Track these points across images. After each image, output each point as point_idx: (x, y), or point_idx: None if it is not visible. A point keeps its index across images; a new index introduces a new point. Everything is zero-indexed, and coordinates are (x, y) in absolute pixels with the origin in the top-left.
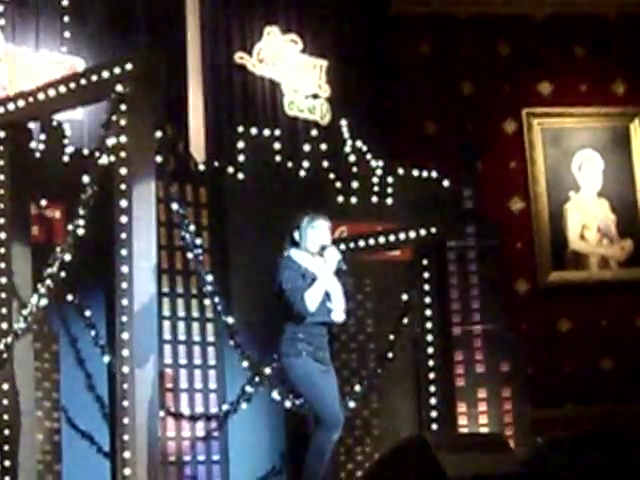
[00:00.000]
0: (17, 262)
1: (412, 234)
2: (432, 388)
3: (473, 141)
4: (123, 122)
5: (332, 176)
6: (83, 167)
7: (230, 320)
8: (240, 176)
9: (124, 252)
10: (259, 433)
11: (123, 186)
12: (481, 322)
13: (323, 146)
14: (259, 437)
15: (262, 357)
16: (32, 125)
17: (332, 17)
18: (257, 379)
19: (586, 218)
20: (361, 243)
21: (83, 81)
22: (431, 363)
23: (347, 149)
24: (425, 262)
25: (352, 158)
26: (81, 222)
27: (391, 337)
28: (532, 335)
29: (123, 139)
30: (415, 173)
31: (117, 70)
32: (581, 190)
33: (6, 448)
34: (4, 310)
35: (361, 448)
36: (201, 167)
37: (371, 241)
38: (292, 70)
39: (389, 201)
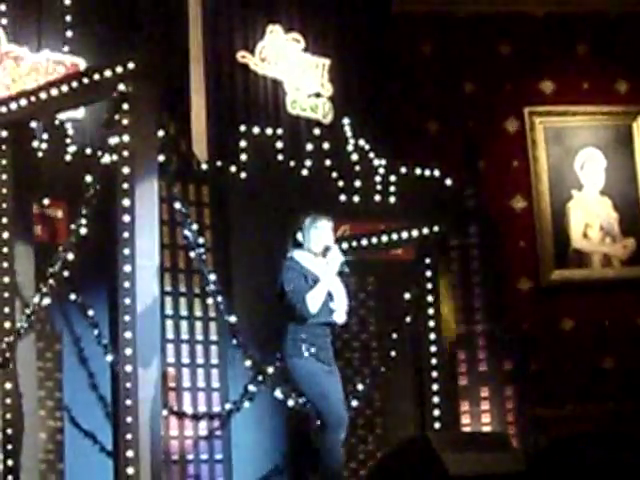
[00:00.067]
0: (20, 261)
1: (414, 233)
2: (435, 387)
3: (475, 140)
4: (125, 121)
5: (335, 175)
6: (85, 166)
7: (233, 319)
8: (242, 175)
9: (127, 251)
10: (262, 432)
11: (125, 185)
12: (483, 321)
13: (325, 145)
14: (262, 436)
15: (265, 356)
16: (34, 124)
17: (334, 16)
18: (260, 378)
19: (589, 217)
20: (364, 242)
21: (85, 80)
22: (434, 362)
23: (349, 148)
24: (427, 261)
25: (354, 157)
26: (84, 221)
27: (394, 336)
28: (534, 334)
29: (125, 138)
30: (417, 172)
31: (119, 69)
32: (584, 189)
33: (9, 447)
34: (7, 309)
35: (364, 447)
36: (203, 166)
37: (374, 240)
38: (294, 69)
39: (392, 200)
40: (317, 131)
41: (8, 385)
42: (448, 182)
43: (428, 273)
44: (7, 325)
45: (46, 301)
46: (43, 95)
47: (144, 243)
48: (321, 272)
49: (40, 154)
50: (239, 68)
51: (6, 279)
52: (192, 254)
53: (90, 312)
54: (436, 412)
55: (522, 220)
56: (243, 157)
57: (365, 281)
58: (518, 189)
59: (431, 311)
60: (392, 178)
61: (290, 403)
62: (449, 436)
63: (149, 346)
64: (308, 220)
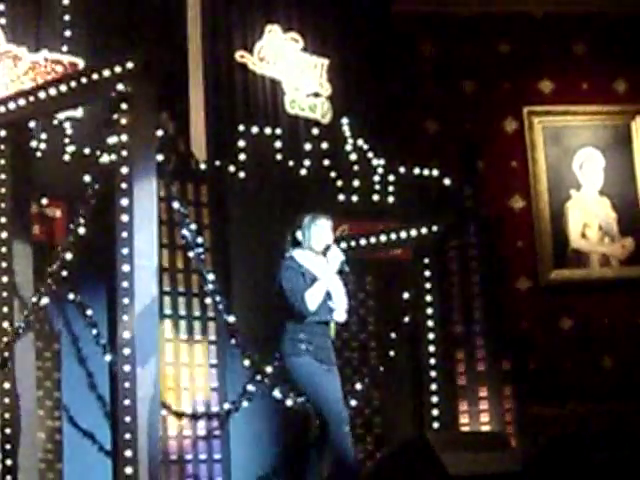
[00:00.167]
0: (18, 261)
1: (413, 232)
2: (433, 386)
3: (474, 140)
4: (124, 121)
5: (333, 174)
6: (84, 166)
7: (231, 319)
8: (241, 175)
9: (125, 251)
10: (260, 432)
11: (124, 185)
12: (482, 320)
13: (324, 145)
14: (260, 436)
15: (263, 356)
16: (33, 124)
17: (333, 16)
18: (258, 378)
19: (587, 216)
20: (362, 242)
21: (84, 80)
22: (432, 361)
23: (348, 148)
24: (426, 261)
25: (353, 157)
26: (82, 221)
27: (393, 335)
28: (533, 333)
29: (124, 138)
30: (416, 172)
31: (118, 69)
32: (582, 188)
33: (7, 447)
34: (5, 309)
35: (363, 446)
36: (202, 166)
37: (372, 240)
38: (293, 69)
39: (390, 200)
40: (316, 131)
41: (7, 385)
42: (447, 182)
43: (427, 273)
44: (5, 325)
45: (44, 301)
46: (41, 95)
47: (142, 243)
48: (320, 271)
49: (38, 154)
50: (238, 68)
51: (4, 279)
52: (191, 254)
53: (89, 312)
54: (435, 412)
55: (521, 220)
56: (242, 157)
57: (364, 281)
58: (517, 189)
59: (429, 311)
60: (391, 178)
61: (289, 403)
62: (448, 436)
63: (147, 346)
64: (307, 219)
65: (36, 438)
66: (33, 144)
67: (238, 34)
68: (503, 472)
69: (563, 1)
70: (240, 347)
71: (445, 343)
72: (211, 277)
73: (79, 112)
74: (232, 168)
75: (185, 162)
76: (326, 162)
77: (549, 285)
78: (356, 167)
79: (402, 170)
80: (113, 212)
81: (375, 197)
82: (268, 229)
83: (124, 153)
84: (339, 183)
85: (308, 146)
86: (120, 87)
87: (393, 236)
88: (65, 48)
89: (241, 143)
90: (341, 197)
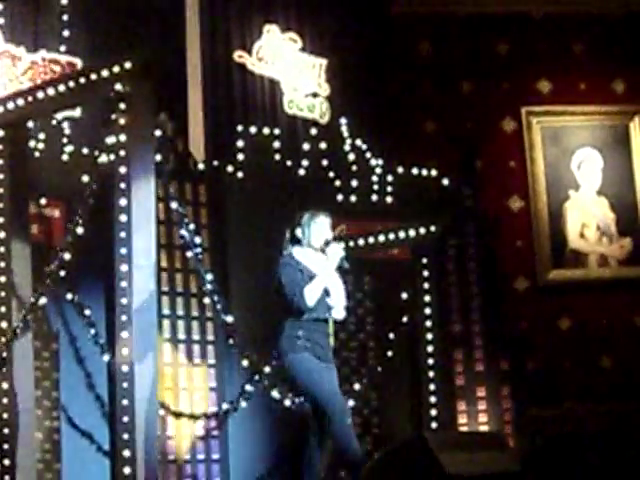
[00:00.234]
0: (17, 261)
1: (411, 232)
2: (432, 387)
3: (472, 140)
4: (122, 121)
5: (331, 175)
6: (82, 166)
7: (229, 319)
8: (239, 175)
9: (123, 251)
10: (259, 432)
11: (122, 185)
12: (480, 320)
13: (322, 145)
14: (259, 436)
15: (262, 356)
16: (31, 124)
17: (331, 16)
18: (256, 378)
19: (585, 217)
20: (360, 242)
21: (82, 80)
22: (430, 362)
23: (346, 148)
24: (424, 261)
25: (351, 157)
26: (80, 221)
27: (391, 335)
28: (531, 333)
29: (122, 138)
30: (414, 172)
31: (116, 69)
32: (581, 189)
33: (5, 447)
34: (4, 309)
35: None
36: (200, 166)
37: (370, 240)
38: (291, 69)
39: (388, 200)
40: (314, 131)
41: (5, 384)
42: (445, 182)
43: (425, 273)
44: (4, 324)
45: (43, 300)
46: (40, 95)
47: (141, 243)
48: (319, 268)
49: (37, 154)
50: (236, 68)
51: (3, 278)
52: (189, 254)
53: (87, 311)
54: (433, 412)
55: (519, 220)
56: (240, 157)
57: (362, 281)
58: (515, 189)
59: (428, 311)
60: (389, 178)
61: (287, 403)
62: (446, 436)
63: (146, 346)
64: (307, 216)
65: (34, 438)
66: (31, 144)
67: (236, 34)
68: (501, 472)
69: (561, 1)
70: (238, 347)
71: (443, 343)
72: (209, 277)
73: (77, 112)
74: (230, 168)
75: (183, 162)
76: (324, 162)
77: (547, 285)
78: (354, 167)
79: (400, 170)
80: (111, 212)
81: (373, 197)
82: (266, 229)
83: (122, 153)
84: (337, 183)
85: (306, 146)
86: (118, 87)
87: (391, 236)
88: (63, 48)
89: (239, 143)
90: (339, 197)
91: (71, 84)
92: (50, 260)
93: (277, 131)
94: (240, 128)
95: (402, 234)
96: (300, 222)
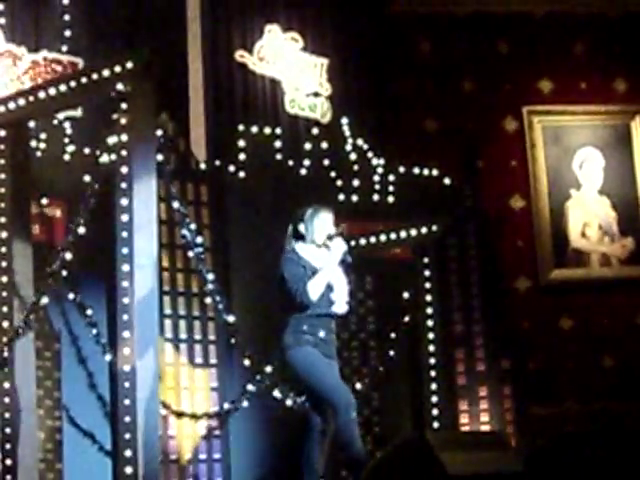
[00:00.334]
0: (18, 261)
1: (413, 232)
2: (433, 386)
3: (474, 139)
4: (124, 121)
5: (333, 174)
6: (84, 166)
7: (231, 318)
8: (241, 174)
9: (125, 250)
10: (260, 431)
11: (124, 185)
12: (482, 320)
13: (324, 144)
14: (260, 435)
15: (263, 355)
16: (33, 124)
17: (333, 15)
18: (258, 377)
19: (587, 216)
20: (362, 241)
21: (84, 80)
22: (432, 361)
23: (348, 147)
24: (426, 260)
25: (353, 156)
26: (82, 220)
27: (392, 335)
28: (533, 333)
29: (124, 137)
30: (416, 171)
31: (117, 68)
32: (582, 188)
33: (7, 447)
34: (5, 309)
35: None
36: (202, 165)
37: (372, 239)
38: (293, 68)
39: (390, 199)
40: (315, 130)
41: (6, 384)
42: (446, 181)
43: (426, 272)
44: (5, 324)
45: (44, 300)
46: (41, 94)
47: (142, 242)
48: (322, 263)
49: (38, 153)
50: (237, 68)
51: (4, 278)
52: (190, 253)
53: (89, 311)
54: (434, 411)
55: (520, 219)
56: (241, 156)
57: (363, 280)
58: (516, 188)
59: (429, 310)
60: (390, 177)
61: (288, 402)
62: (447, 435)
63: (147, 345)
64: (310, 212)
65: (36, 438)
66: (33, 144)
67: (238, 34)
68: (503, 472)
69: (563, 1)
70: (240, 347)
71: (445, 343)
72: (211, 277)
73: (79, 112)
74: (232, 168)
75: (185, 162)
76: (326, 162)
77: (549, 285)
78: (356, 167)
79: (402, 170)
80: (113, 212)
81: (375, 197)
82: (268, 229)
83: (124, 153)
84: (339, 183)
85: (308, 146)
86: (120, 87)
87: (393, 236)
88: (65, 48)
89: (241, 143)
90: (341, 197)
91: (72, 84)
92: (52, 260)
93: (278, 131)
94: (241, 128)
95: (403, 234)
96: (303, 218)
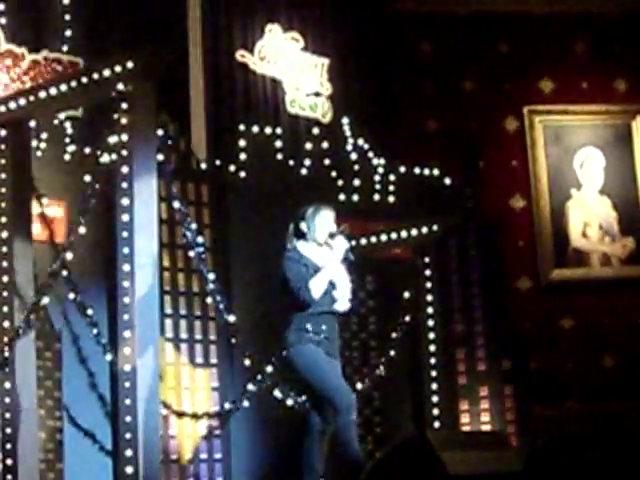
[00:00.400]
0: (19, 260)
1: (414, 232)
2: (434, 386)
3: (474, 139)
4: (124, 120)
5: (334, 174)
6: (85, 165)
7: (232, 318)
8: (242, 174)
9: (126, 250)
10: (261, 431)
11: (124, 184)
12: (482, 320)
13: (325, 144)
14: (261, 435)
15: (264, 355)
16: (33, 123)
17: (333, 15)
18: (259, 377)
19: (588, 216)
20: (363, 241)
21: (84, 79)
22: (433, 361)
23: (349, 147)
24: (427, 260)
25: (354, 156)
26: (83, 220)
27: (393, 335)
28: (534, 332)
29: (124, 137)
30: (417, 171)
31: (118, 68)
32: (583, 188)
33: (8, 446)
34: (6, 308)
35: (363, 446)
36: (203, 165)
37: (373, 239)
38: (293, 68)
39: (391, 199)
40: (316, 130)
41: (7, 384)
42: (447, 181)
43: (427, 272)
44: (6, 324)
45: (45, 300)
46: (42, 94)
47: (143, 242)
48: (324, 262)
49: (39, 153)
50: (238, 67)
51: (5, 278)
52: (191, 253)
53: (89, 311)
54: (435, 411)
55: (521, 219)
56: (242, 156)
57: (364, 280)
58: (517, 188)
59: (430, 310)
60: (391, 177)
61: (289, 402)
62: (448, 435)
63: (148, 345)
64: (311, 210)
65: (37, 438)
66: (33, 144)
67: (238, 34)
68: (503, 472)
69: (563, 1)
70: (240, 347)
71: (445, 342)
72: (211, 277)
73: (79, 112)
74: (233, 168)
75: (186, 161)
76: (327, 161)
77: (550, 284)
78: (357, 166)
79: (403, 169)
80: (114, 211)
81: (376, 196)
82: (269, 228)
83: (124, 153)
84: (340, 182)
85: (309, 145)
86: (120, 87)
87: (394, 235)
88: (65, 48)
89: (242, 143)
90: (342, 196)
91: (73, 84)
92: (52, 260)
93: (279, 130)
94: (242, 127)
95: (404, 233)
96: (304, 216)
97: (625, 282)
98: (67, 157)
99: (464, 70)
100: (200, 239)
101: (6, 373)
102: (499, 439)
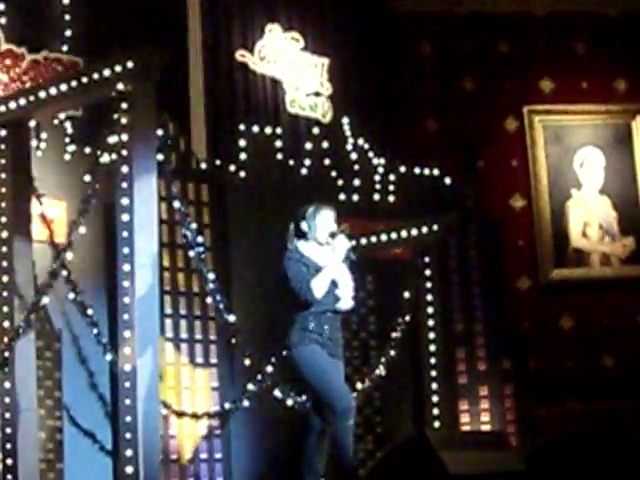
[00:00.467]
0: (19, 260)
1: (414, 232)
2: (434, 386)
3: (474, 139)
4: (124, 120)
5: (334, 174)
6: (85, 165)
7: (232, 318)
8: (242, 174)
9: (126, 250)
10: (261, 431)
11: (124, 184)
12: (482, 319)
13: (325, 144)
14: (261, 435)
15: (264, 355)
16: (33, 123)
17: (333, 15)
18: (259, 377)
19: (588, 215)
20: (363, 241)
21: (84, 79)
22: (433, 361)
23: (349, 147)
24: (427, 260)
25: (354, 156)
26: (83, 220)
27: (393, 335)
28: (534, 332)
29: (124, 137)
30: (417, 171)
31: (118, 68)
32: (583, 187)
33: (8, 446)
34: (6, 308)
35: (363, 446)
36: (203, 165)
37: (373, 239)
38: (293, 68)
39: (391, 199)
40: (316, 130)
41: (7, 384)
42: (447, 181)
43: (427, 272)
44: (6, 324)
45: (45, 300)
46: (42, 94)
47: (143, 242)
48: (325, 261)
49: (39, 153)
50: (238, 67)
51: (5, 278)
52: (191, 253)
53: (89, 311)
54: (435, 411)
55: (521, 219)
56: (242, 156)
57: (364, 280)
58: (517, 188)
59: (430, 310)
60: (391, 177)
61: (289, 402)
62: (448, 435)
63: (148, 345)
64: (311, 209)
65: (37, 437)
66: (33, 143)
67: (238, 34)
68: (503, 471)
69: (563, 1)
70: (240, 346)
71: (446, 342)
72: (211, 276)
73: (79, 111)
74: (233, 167)
75: (186, 161)
76: (327, 161)
77: (550, 284)
78: (357, 166)
79: (403, 169)
80: (113, 211)
81: (376, 196)
82: (269, 228)
83: (124, 152)
84: (340, 182)
85: (309, 145)
86: (120, 86)
87: (394, 235)
88: (65, 47)
89: (242, 142)
90: (342, 196)
91: (73, 83)
92: (52, 259)
93: (279, 130)
94: (242, 127)
95: (404, 233)
96: (305, 216)
97: (625, 282)
98: (67, 157)
99: (464, 70)
100: (200, 239)
101: (6, 373)
102: (499, 439)
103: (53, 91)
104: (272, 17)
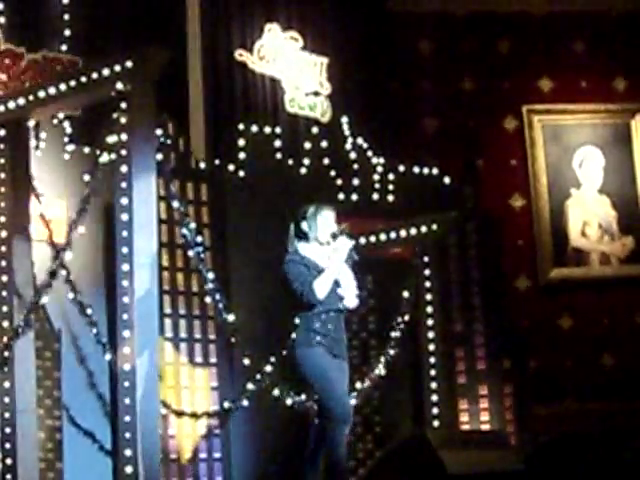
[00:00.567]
0: (18, 260)
1: (413, 231)
2: (433, 385)
3: (474, 138)
4: (123, 120)
5: (333, 173)
6: (84, 165)
7: (231, 318)
8: (241, 174)
9: (125, 250)
10: (260, 430)
11: (124, 184)
12: (482, 319)
13: (324, 143)
14: (260, 434)
15: (263, 354)
16: (32, 123)
17: (333, 14)
18: (258, 376)
19: (587, 215)
20: (362, 240)
21: (83, 79)
22: (432, 360)
23: (348, 146)
24: (426, 259)
25: (353, 155)
26: (82, 220)
27: (392, 334)
28: (533, 332)
29: (123, 137)
30: (416, 170)
31: (117, 68)
32: (582, 187)
33: (7, 446)
34: (5, 308)
35: (363, 445)
36: (202, 165)
37: (372, 238)
38: (293, 67)
39: (390, 198)
40: (315, 129)
41: (6, 384)
42: (446, 180)
43: (426, 271)
44: (5, 324)
45: (44, 300)
46: (41, 94)
47: (142, 242)
48: (326, 262)
49: (38, 152)
50: (237, 67)
51: (4, 278)
52: (190, 253)
53: (88, 310)
54: (435, 410)
55: (521, 218)
56: (241, 155)
57: (364, 279)
58: (516, 187)
59: (430, 309)
60: (390, 176)
61: (288, 401)
62: (448, 434)
63: (147, 345)
64: (312, 209)
65: (36, 437)
66: (32, 143)
67: (237, 33)
68: (503, 471)
69: (563, 0)
70: (240, 346)
71: (445, 341)
72: (211, 276)
73: (78, 111)
74: (232, 167)
75: (185, 161)
76: (326, 161)
77: (549, 283)
78: (356, 166)
79: (402, 169)
80: (113, 211)
81: (375, 196)
82: (268, 228)
83: (123, 152)
84: (339, 182)
85: (308, 145)
86: (119, 86)
87: (393, 235)
88: (65, 47)
89: (241, 142)
90: (341, 196)
91: (72, 83)
92: (51, 259)
93: (278, 130)
94: (241, 127)
95: (403, 233)
96: (305, 216)
97: (624, 281)
98: (66, 156)
99: (463, 69)
100: (199, 238)
101: (5, 373)
102: (498, 438)
103: (52, 91)
104: (271, 16)
